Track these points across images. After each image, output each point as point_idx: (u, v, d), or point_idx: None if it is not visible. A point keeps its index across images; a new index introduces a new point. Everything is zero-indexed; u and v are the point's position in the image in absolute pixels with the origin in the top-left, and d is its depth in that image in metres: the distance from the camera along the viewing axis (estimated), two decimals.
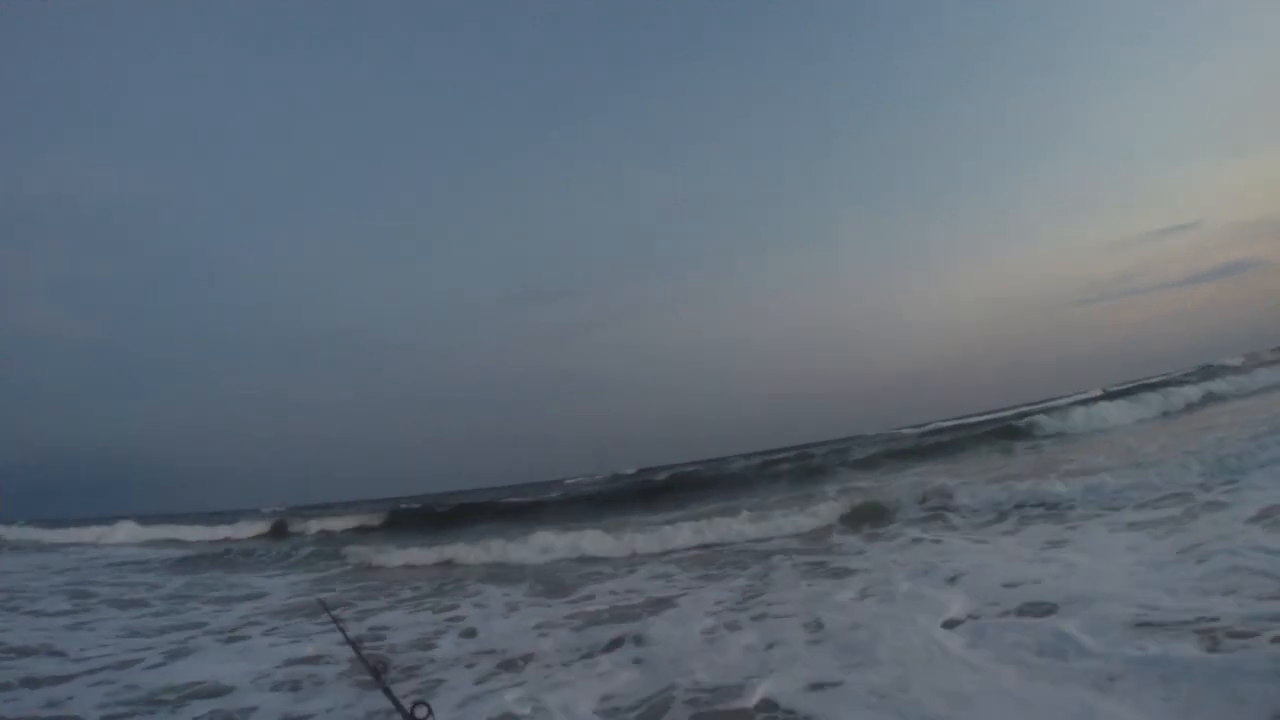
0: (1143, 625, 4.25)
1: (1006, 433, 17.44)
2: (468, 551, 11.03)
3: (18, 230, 53.00)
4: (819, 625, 5.38)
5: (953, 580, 6.02)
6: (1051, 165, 53.69)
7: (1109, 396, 21.84)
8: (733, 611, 6.26)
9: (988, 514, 8.26)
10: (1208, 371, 23.08)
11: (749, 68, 56.28)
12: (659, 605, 6.89)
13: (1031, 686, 3.75)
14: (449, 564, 11.15)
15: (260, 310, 59.95)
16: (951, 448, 17.21)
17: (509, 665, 5.55)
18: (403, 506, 23.62)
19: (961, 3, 52.10)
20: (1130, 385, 24.51)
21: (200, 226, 60.89)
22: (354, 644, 3.09)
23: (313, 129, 59.07)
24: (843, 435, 25.81)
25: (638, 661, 5.26)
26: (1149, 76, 49.87)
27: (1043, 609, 4.89)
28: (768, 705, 4.09)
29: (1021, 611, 4.93)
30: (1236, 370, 22.05)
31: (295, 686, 5.45)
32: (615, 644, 5.75)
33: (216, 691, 5.42)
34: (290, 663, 6.11)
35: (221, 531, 22.09)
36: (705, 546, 9.54)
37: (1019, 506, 8.19)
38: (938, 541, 7.68)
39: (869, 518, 9.26)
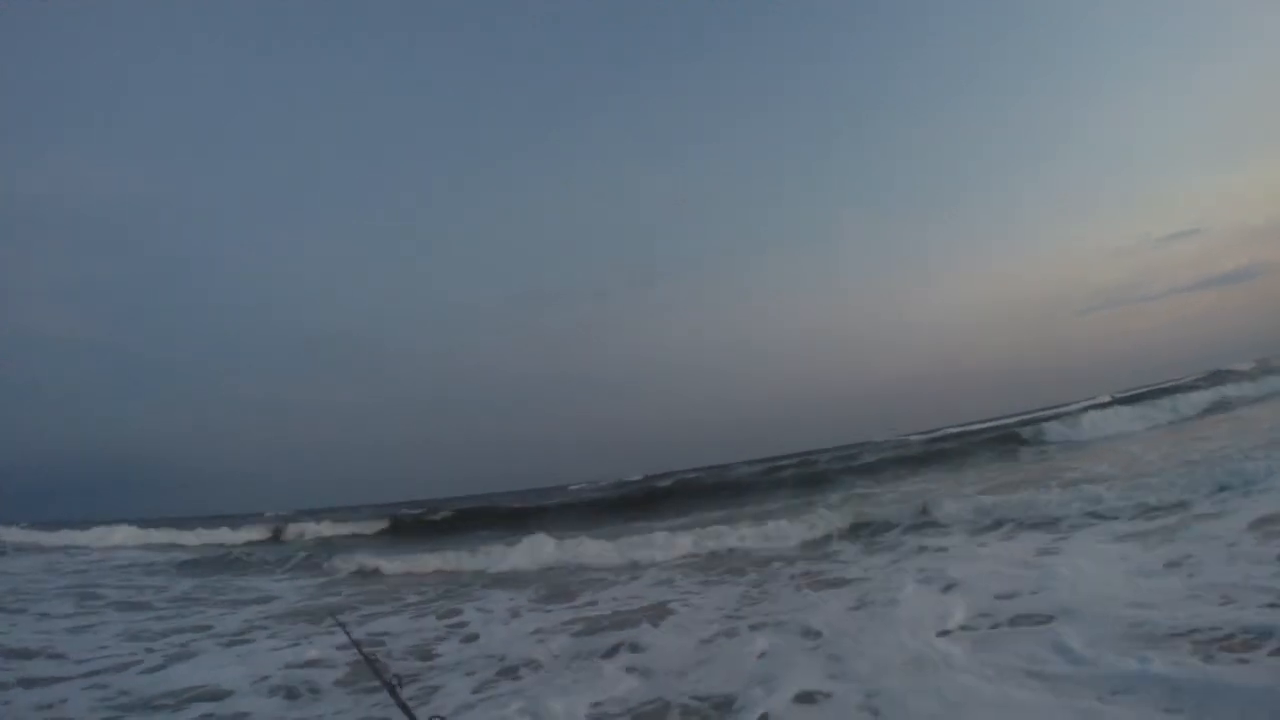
0: (1136, 637, 4.28)
1: (1011, 440, 17.47)
2: (468, 559, 11.08)
3: (19, 230, 53.47)
4: (814, 634, 5.43)
5: (948, 590, 6.06)
6: (1056, 170, 53.95)
7: (1117, 403, 21.90)
8: (730, 620, 6.32)
9: (985, 524, 8.28)
10: (1216, 377, 23.08)
11: (750, 68, 56.71)
12: (658, 613, 6.96)
13: (1026, 697, 3.77)
14: (450, 570, 11.20)
15: (261, 311, 60.38)
16: (956, 455, 17.22)
17: (507, 672, 5.62)
18: (403, 512, 23.71)
19: (964, 6, 52.27)
20: (1138, 391, 24.57)
21: (200, 227, 61.45)
22: (368, 658, 3.13)
23: (313, 129, 59.51)
24: (849, 441, 25.96)
25: (631, 669, 5.31)
26: (1154, 81, 50.24)
27: (1037, 619, 4.93)
28: (760, 716, 4.13)
29: (1016, 622, 4.97)
30: (1245, 376, 22.04)
31: (293, 694, 5.53)
32: (613, 651, 5.80)
33: (213, 696, 5.49)
34: (290, 667, 6.19)
35: (221, 535, 22.17)
36: (707, 555, 9.58)
37: (1015, 517, 8.20)
38: (935, 551, 7.72)
39: (867, 527, 9.30)
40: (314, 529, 22.00)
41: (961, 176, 56.01)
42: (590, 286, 58.25)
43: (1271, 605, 4.34)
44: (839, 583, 7.19)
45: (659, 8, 54.94)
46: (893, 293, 55.41)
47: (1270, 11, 42.81)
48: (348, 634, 4.34)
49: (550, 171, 59.04)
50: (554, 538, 11.42)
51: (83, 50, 51.71)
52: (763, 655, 5.18)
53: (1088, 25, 50.73)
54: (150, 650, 7.17)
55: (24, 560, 17.63)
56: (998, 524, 8.15)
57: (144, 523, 24.56)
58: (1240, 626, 4.10)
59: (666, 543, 9.99)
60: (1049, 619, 4.88)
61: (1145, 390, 24.53)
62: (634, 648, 5.81)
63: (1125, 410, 18.52)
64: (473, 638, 6.93)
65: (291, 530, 22.20)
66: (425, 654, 6.48)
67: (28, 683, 5.95)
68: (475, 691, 5.24)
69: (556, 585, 9.03)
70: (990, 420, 25.42)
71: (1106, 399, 24.66)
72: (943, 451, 18.02)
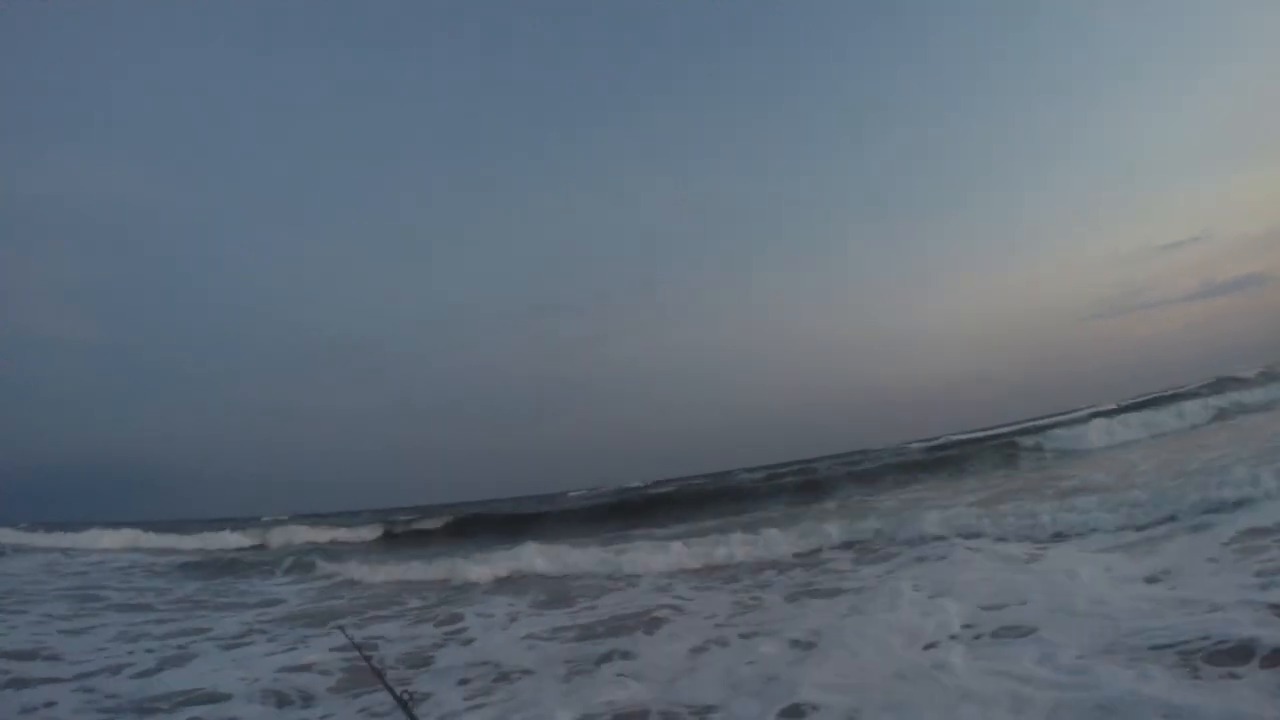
0: (1122, 648, 4.36)
1: (1010, 449, 17.52)
2: (465, 566, 11.15)
3: (19, 231, 53.79)
4: (803, 645, 5.51)
5: (938, 600, 6.13)
6: (1059, 176, 54.00)
7: (1120, 410, 21.95)
8: (721, 628, 6.43)
9: (978, 534, 8.35)
10: (1221, 385, 23.09)
11: (754, 74, 56.93)
12: (651, 621, 7.05)
13: (1014, 707, 3.84)
14: (447, 577, 11.26)
15: (262, 314, 60.59)
16: (955, 463, 17.32)
17: (501, 678, 5.73)
18: (399, 518, 23.81)
19: (969, 15, 52.45)
20: (1142, 399, 24.61)
21: (202, 229, 61.65)
22: (378, 672, 3.19)
23: (316, 131, 59.68)
24: (851, 448, 26.03)
25: (620, 675, 5.42)
26: (1157, 88, 50.25)
27: (1024, 631, 4.99)
28: None
29: (1004, 634, 5.03)
30: (1250, 384, 22.04)
31: (286, 699, 5.63)
32: (605, 659, 5.91)
33: (205, 700, 5.60)
34: (285, 670, 6.31)
35: (209, 540, 22.25)
36: (702, 564, 9.62)
37: (1008, 527, 8.27)
38: (927, 560, 7.79)
39: (861, 536, 9.38)
40: (307, 534, 22.13)
41: (964, 183, 56.14)
42: (597, 297, 58.45)
43: (1255, 618, 4.40)
44: (831, 592, 7.28)
45: (663, 14, 55.22)
46: (895, 300, 55.50)
47: (1273, 20, 43.12)
48: (356, 646, 4.43)
49: (554, 176, 59.39)
50: (547, 545, 11.48)
51: (83, 50, 52.12)
52: (752, 663, 5.28)
53: (1090, 34, 50.88)
54: (150, 652, 7.32)
55: (21, 561, 17.81)
56: (990, 534, 8.21)
57: (142, 525, 24.76)
58: (1224, 640, 4.16)
59: (662, 551, 10.07)
60: (1036, 630, 4.94)
61: (1149, 398, 24.56)
62: (625, 655, 5.92)
63: (1127, 418, 18.57)
64: (467, 643, 7.06)
65: (281, 535, 22.29)
66: (421, 659, 6.61)
67: (18, 684, 6.06)
68: (467, 699, 5.35)
69: (552, 592, 9.16)
70: (993, 428, 25.42)
71: (1110, 406, 24.73)
72: (942, 460, 18.09)
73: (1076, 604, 5.41)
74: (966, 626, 5.32)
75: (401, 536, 21.24)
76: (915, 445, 23.49)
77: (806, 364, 56.60)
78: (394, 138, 61.13)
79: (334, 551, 17.64)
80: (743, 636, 6.06)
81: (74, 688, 6.01)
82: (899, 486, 15.66)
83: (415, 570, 11.79)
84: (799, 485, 18.00)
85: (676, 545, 10.13)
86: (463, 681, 5.79)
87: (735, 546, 9.70)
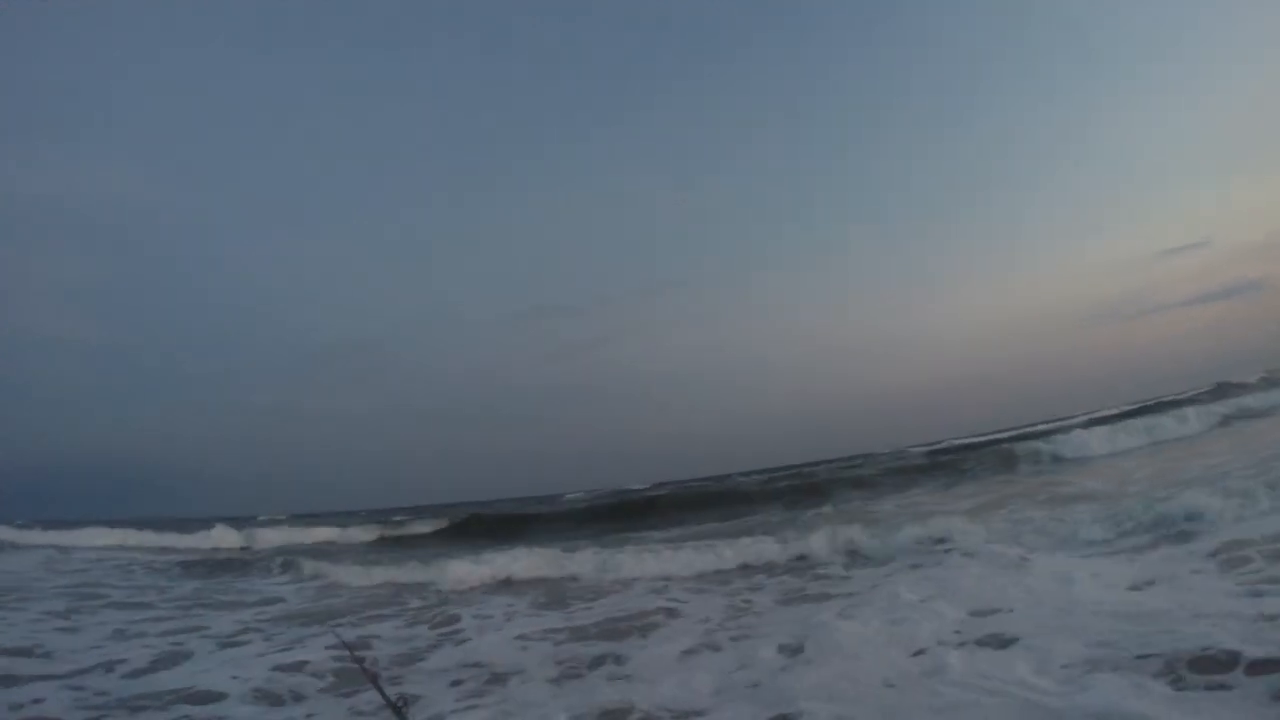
0: (1109, 657, 4.41)
1: (1008, 455, 17.58)
2: (455, 569, 11.21)
3: (20, 231, 53.88)
4: (790, 650, 5.59)
5: (928, 607, 6.21)
6: (1060, 182, 54.12)
7: (1120, 417, 22.07)
8: (713, 633, 6.51)
9: (972, 541, 8.42)
10: (1222, 391, 23.18)
11: (757, 80, 57.19)
12: (644, 625, 7.16)
13: (1001, 717, 3.90)
14: (430, 580, 11.30)
15: (265, 316, 60.44)
16: (953, 470, 17.41)
17: (492, 680, 5.83)
18: (395, 519, 23.95)
19: (970, 22, 52.54)
20: (1142, 405, 24.71)
21: (204, 230, 61.38)
22: (371, 675, 3.17)
23: (320, 135, 59.59)
24: (852, 453, 26.17)
25: (611, 679, 5.52)
26: (1158, 95, 50.47)
27: (1012, 638, 5.04)
28: None
29: (992, 641, 5.09)
30: (1251, 389, 22.11)
31: (278, 699, 5.71)
32: (598, 662, 6.01)
33: (196, 699, 5.67)
34: (279, 669, 6.36)
35: (214, 539, 22.37)
36: (698, 569, 9.65)
37: (1001, 534, 8.34)
38: (917, 567, 7.89)
39: (855, 542, 9.45)
40: (291, 535, 22.30)
41: (965, 188, 56.30)
42: (598, 301, 58.60)
43: (1240, 628, 4.46)
44: (823, 597, 7.38)
45: (665, 16, 55.37)
46: (895, 303, 55.56)
47: (1274, 28, 43.39)
48: (349, 648, 4.50)
49: (555, 177, 59.43)
50: (541, 548, 11.53)
51: (83, 50, 52.23)
52: (742, 669, 5.37)
53: (1093, 39, 51.14)
54: (146, 647, 7.42)
55: (17, 558, 17.94)
56: (983, 541, 8.27)
57: (136, 524, 24.88)
58: (1209, 649, 4.23)
59: (658, 555, 10.15)
60: (1024, 638, 5.00)
61: (1150, 403, 24.69)
62: (617, 660, 6.01)
63: (1127, 424, 18.64)
64: (460, 643, 7.17)
65: (275, 536, 22.38)
66: (413, 659, 6.71)
67: (7, 681, 6.12)
68: (459, 700, 5.44)
69: (546, 595, 9.25)
70: (993, 433, 25.55)
71: (1110, 411, 24.87)
72: (940, 465, 18.18)
73: (1065, 612, 5.47)
74: (956, 633, 5.38)
75: (395, 538, 21.37)
76: (915, 450, 23.59)
77: (807, 367, 56.70)
78: (394, 138, 61.16)
79: (324, 552, 17.71)
80: (734, 640, 6.16)
81: (64, 685, 6.09)
82: (897, 491, 15.75)
83: (404, 573, 11.86)
84: (797, 489, 18.09)
85: (671, 549, 10.24)
86: (455, 683, 5.88)
87: (730, 550, 9.77)
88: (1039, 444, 17.83)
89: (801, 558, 9.29)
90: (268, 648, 7.39)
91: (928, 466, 18.29)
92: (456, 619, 8.30)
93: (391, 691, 2.89)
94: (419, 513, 25.68)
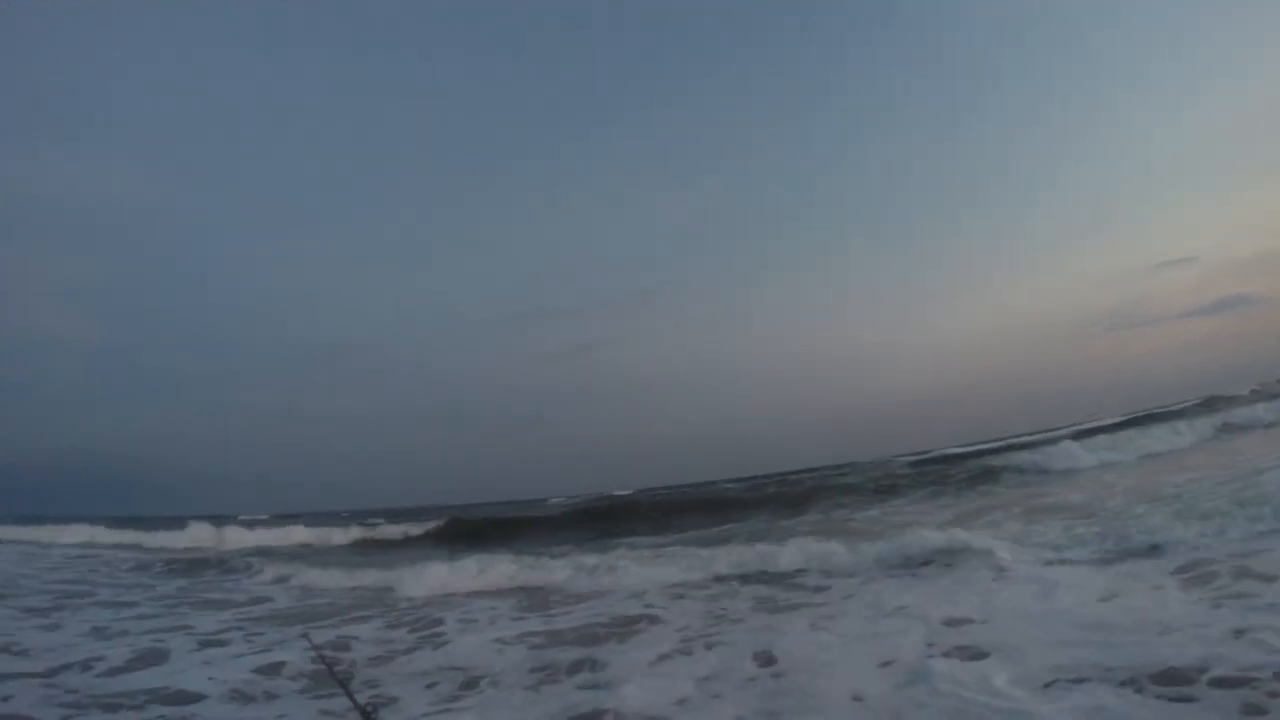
0: (1079, 669, 4.56)
1: (994, 467, 17.75)
2: (429, 571, 11.33)
3: (21, 231, 54.27)
4: (763, 659, 5.72)
5: (900, 618, 6.38)
6: (1055, 196, 55.10)
7: (1111, 428, 22.36)
8: (689, 640, 6.64)
9: (949, 553, 8.59)
10: (1212, 404, 23.47)
11: (756, 87, 57.79)
12: (624, 631, 7.31)
13: None
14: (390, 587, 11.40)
15: (262, 316, 61.16)
16: (938, 480, 17.57)
17: (468, 684, 5.97)
18: (377, 521, 24.10)
19: (969, 33, 53.19)
20: (1132, 417, 24.99)
21: (201, 231, 62.16)
22: (341, 681, 3.23)
23: (318, 136, 60.22)
24: (840, 461, 26.38)
25: (583, 688, 5.64)
26: (1151, 110, 51.75)
27: (979, 652, 5.18)
28: None
29: (959, 653, 5.22)
30: (1241, 403, 22.37)
31: (248, 699, 5.81)
32: (575, 667, 6.13)
33: (170, 698, 5.76)
34: (256, 672, 6.46)
35: (184, 538, 22.50)
36: (677, 578, 9.66)
37: (974, 547, 8.45)
38: (896, 577, 8.07)
39: (833, 552, 9.60)
40: (269, 538, 22.29)
41: (961, 201, 57.05)
42: (595, 305, 59.06)
43: (1207, 642, 4.64)
44: (799, 606, 7.53)
45: (663, 22, 55.90)
46: (888, 313, 56.14)
47: (1265, 42, 44.12)
48: (318, 651, 4.61)
49: (553, 182, 60.21)
50: (517, 557, 11.68)
51: (83, 50, 52.64)
52: (713, 677, 5.50)
53: (1089, 55, 52.03)
54: (129, 646, 7.54)
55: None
56: (959, 553, 8.42)
57: (118, 522, 24.98)
58: (1176, 662, 4.39)
59: (639, 561, 10.31)
60: (996, 649, 5.15)
61: (1140, 415, 24.98)
62: (593, 665, 6.14)
63: (1115, 437, 18.94)
64: (442, 646, 7.31)
65: (242, 537, 22.45)
66: (390, 662, 6.85)
67: None
68: (432, 704, 5.57)
69: (525, 600, 9.38)
70: (983, 442, 25.84)
71: (1100, 423, 25.16)
72: (925, 476, 18.36)
73: (1036, 624, 5.63)
74: (928, 645, 5.52)
75: (373, 540, 21.54)
76: (903, 459, 23.82)
77: (800, 373, 57.07)
78: (392, 139, 61.84)
79: (296, 555, 17.83)
80: (709, 648, 6.29)
81: (38, 682, 6.18)
82: (880, 501, 15.95)
83: (367, 578, 12.06)
84: (782, 497, 18.28)
85: (652, 555, 10.38)
86: (429, 686, 6.01)
87: (710, 558, 9.90)
88: (1026, 455, 18.05)
89: (780, 566, 9.38)
90: (245, 649, 7.51)
91: (913, 476, 18.47)
92: (440, 621, 8.44)
93: (364, 695, 3.02)
94: (408, 515, 25.75)
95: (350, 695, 2.97)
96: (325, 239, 61.86)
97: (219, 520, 25.48)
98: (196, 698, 5.82)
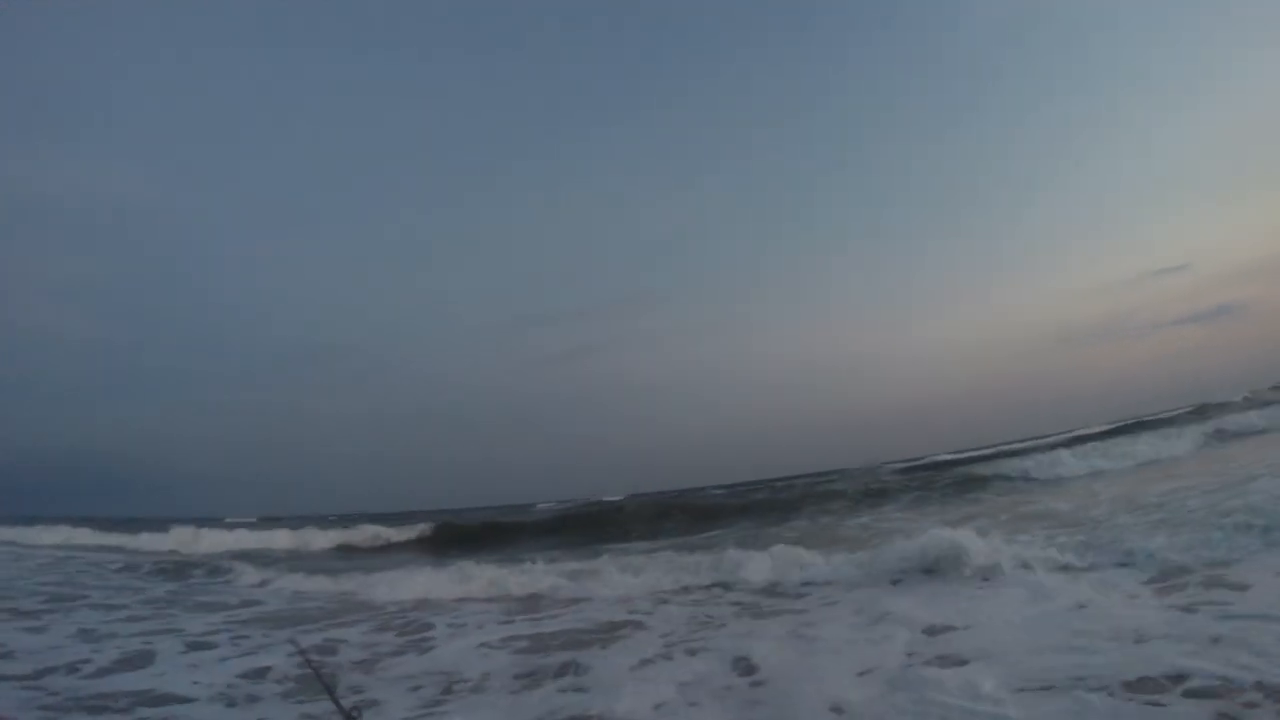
0: (1053, 678, 4.63)
1: (982, 474, 17.96)
2: (427, 576, 11.46)
3: (19, 230, 54.33)
4: (741, 668, 5.81)
5: (880, 628, 6.47)
6: (1047, 204, 55.87)
7: (1102, 435, 22.62)
8: (671, 646, 6.75)
9: (929, 561, 8.69)
10: (1204, 411, 23.73)
11: (752, 99, 58.54)
12: (608, 636, 7.42)
13: None
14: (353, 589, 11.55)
15: (257, 318, 61.52)
16: (926, 486, 17.76)
17: (450, 689, 6.06)
18: (358, 525, 24.15)
19: (961, 44, 53.97)
20: (1121, 424, 25.26)
21: (196, 230, 62.67)
22: (326, 684, 3.27)
23: (315, 137, 61.03)
24: (830, 468, 26.57)
25: (563, 691, 5.75)
26: (1142, 120, 52.75)
27: (957, 659, 5.27)
28: None
29: (936, 663, 5.29)
30: (1233, 410, 22.62)
31: (235, 702, 5.87)
32: (560, 671, 6.25)
33: (154, 701, 5.84)
34: (242, 676, 6.52)
35: (159, 540, 22.57)
36: (658, 585, 9.76)
37: (959, 555, 8.62)
38: (876, 586, 8.15)
39: (816, 560, 9.69)
40: (243, 540, 22.45)
41: (953, 209, 58.10)
42: (578, 305, 59.42)
43: (1183, 651, 4.74)
44: (778, 612, 7.67)
45: (660, 27, 56.25)
46: (882, 321, 56.79)
47: (1254, 52, 44.79)
48: (304, 654, 4.69)
49: (554, 186, 61.03)
50: (505, 562, 11.71)
51: (83, 50, 52.93)
52: (694, 683, 5.61)
53: (1083, 64, 53.03)
54: (118, 648, 7.63)
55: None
56: (940, 561, 8.52)
57: (101, 523, 25.02)
58: (1152, 670, 4.50)
59: (623, 569, 10.38)
60: (971, 659, 5.23)
61: (1129, 423, 25.26)
62: (577, 669, 6.25)
63: (1103, 444, 19.16)
64: (428, 651, 7.42)
65: (218, 540, 22.57)
66: (375, 666, 6.94)
67: None
68: (414, 709, 5.64)
69: (507, 607, 9.51)
70: (973, 449, 26.06)
71: (1092, 430, 25.43)
72: (913, 482, 18.51)
73: (1014, 632, 5.73)
74: (908, 654, 5.61)
75: (355, 545, 21.67)
76: (893, 465, 24.01)
77: (791, 381, 57.34)
78: (392, 140, 62.15)
79: (271, 560, 17.96)
80: (690, 654, 6.40)
81: (19, 685, 6.24)
82: (867, 508, 16.11)
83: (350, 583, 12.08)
84: (771, 503, 18.44)
85: (639, 561, 10.50)
86: (414, 689, 6.08)
87: (696, 565, 10.03)
88: (1016, 462, 18.28)
89: (763, 573, 9.44)
90: (235, 651, 7.61)
91: (902, 483, 18.64)
92: (417, 628, 8.53)
93: (348, 699, 3.08)
94: (395, 519, 25.81)
95: (335, 700, 3.00)
96: (320, 239, 62.49)
97: (204, 522, 25.54)
98: (182, 700, 5.91)
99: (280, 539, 22.68)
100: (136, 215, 60.11)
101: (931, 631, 6.11)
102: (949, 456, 25.11)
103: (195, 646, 7.91)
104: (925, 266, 58.13)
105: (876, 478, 20.11)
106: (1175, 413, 25.24)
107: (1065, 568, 7.54)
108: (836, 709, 4.76)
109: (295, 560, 17.83)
